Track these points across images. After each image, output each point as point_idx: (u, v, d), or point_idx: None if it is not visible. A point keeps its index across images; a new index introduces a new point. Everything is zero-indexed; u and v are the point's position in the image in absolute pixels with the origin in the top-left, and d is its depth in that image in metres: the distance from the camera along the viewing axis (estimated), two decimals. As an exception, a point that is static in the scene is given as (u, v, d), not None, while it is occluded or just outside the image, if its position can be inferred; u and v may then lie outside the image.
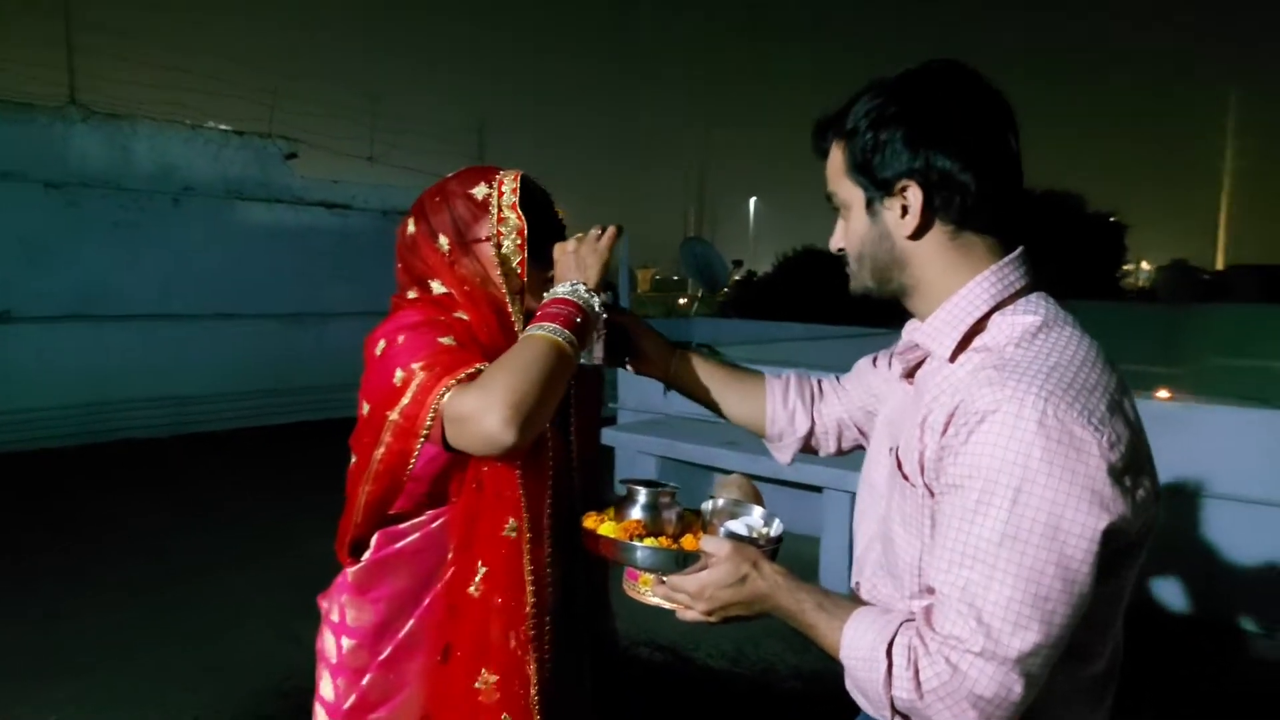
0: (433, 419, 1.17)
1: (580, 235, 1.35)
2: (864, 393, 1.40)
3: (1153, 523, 0.97)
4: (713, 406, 1.47)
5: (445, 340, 1.23)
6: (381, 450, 1.23)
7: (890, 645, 0.96)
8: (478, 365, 1.20)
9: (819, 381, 1.48)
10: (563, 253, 1.34)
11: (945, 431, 0.97)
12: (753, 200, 56.92)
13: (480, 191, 1.32)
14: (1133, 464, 0.92)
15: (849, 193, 1.08)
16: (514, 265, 1.32)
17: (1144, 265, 37.65)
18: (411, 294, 1.36)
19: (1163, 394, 4.23)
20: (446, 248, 1.31)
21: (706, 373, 1.46)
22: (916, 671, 0.93)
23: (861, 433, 1.43)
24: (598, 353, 1.34)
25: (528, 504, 1.28)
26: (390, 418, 1.21)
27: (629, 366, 1.46)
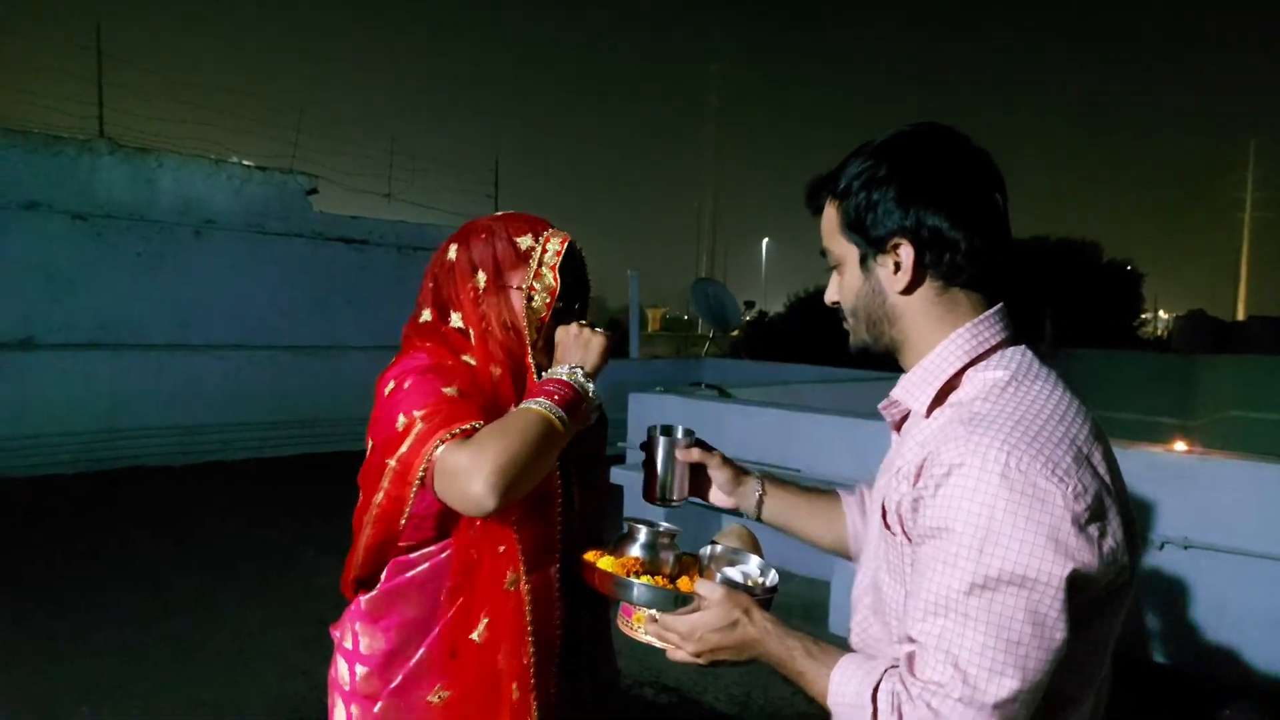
0: (425, 468, 1.22)
1: (584, 322, 1.40)
2: None
3: (1129, 574, 0.99)
4: (800, 537, 1.46)
5: (449, 390, 1.27)
6: (380, 495, 1.28)
7: (875, 691, 0.99)
8: (474, 422, 1.24)
9: None
10: (566, 335, 1.38)
11: (916, 482, 1.01)
12: (765, 241, 57.29)
13: (525, 242, 1.36)
14: (1100, 514, 0.95)
15: (843, 249, 1.12)
16: (537, 321, 1.37)
17: (1162, 314, 37.48)
18: (425, 316, 1.39)
19: (1180, 446, 4.19)
20: (483, 284, 1.35)
21: (789, 504, 1.45)
22: (900, 716, 0.96)
23: None
24: (678, 492, 1.36)
25: (529, 558, 1.32)
26: (389, 464, 1.25)
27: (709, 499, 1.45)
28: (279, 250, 9.20)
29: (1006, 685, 0.92)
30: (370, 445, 1.32)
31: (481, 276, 1.35)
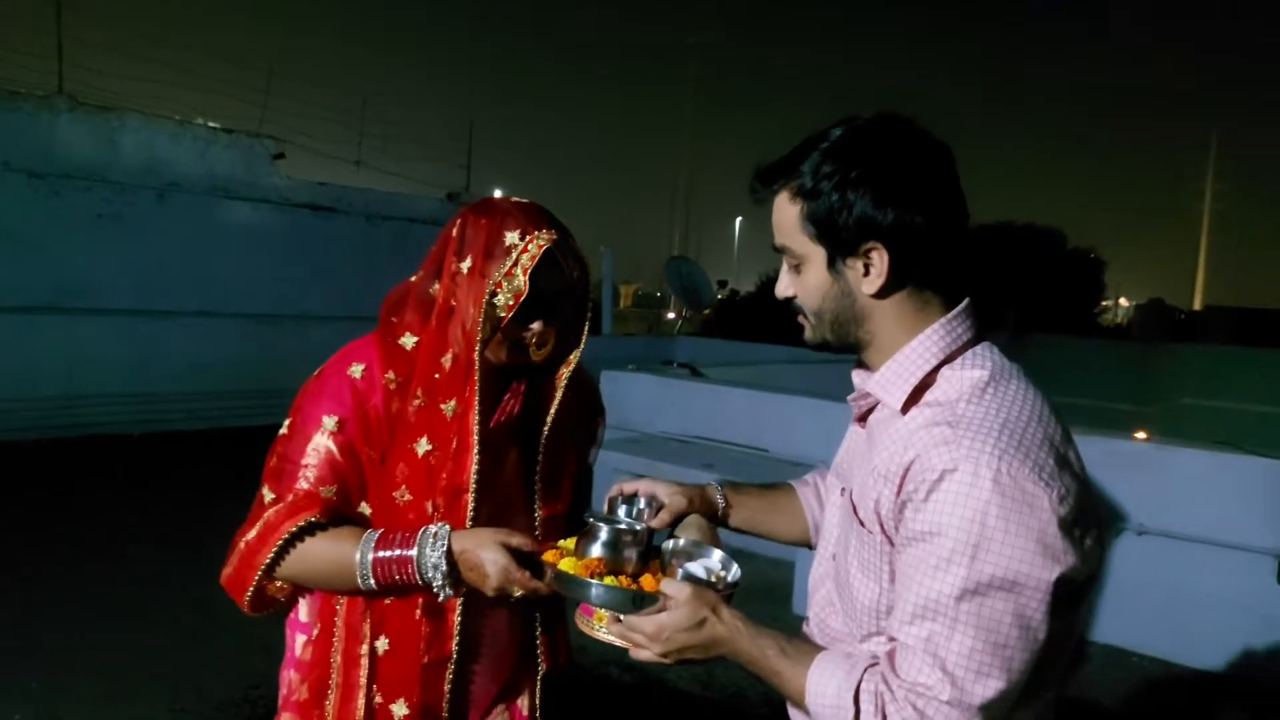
0: (275, 553, 1.31)
1: (512, 544, 1.29)
2: None
3: (1099, 567, 1.02)
4: (765, 536, 1.46)
5: (327, 425, 1.34)
6: (230, 570, 1.37)
7: (857, 691, 0.99)
8: (312, 516, 1.31)
9: None
10: (477, 551, 1.27)
11: (902, 484, 1.00)
12: (738, 220, 57.16)
13: (511, 238, 1.31)
14: (1081, 515, 0.97)
15: (807, 250, 1.09)
16: (495, 320, 1.32)
17: (1122, 302, 38.07)
18: (419, 274, 1.39)
19: (1139, 435, 4.27)
20: (465, 268, 1.32)
21: (752, 509, 1.44)
22: (884, 717, 0.97)
23: None
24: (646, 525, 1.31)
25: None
26: (239, 548, 1.36)
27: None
28: (244, 215, 9.00)
29: (992, 686, 0.94)
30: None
31: (469, 260, 1.32)
